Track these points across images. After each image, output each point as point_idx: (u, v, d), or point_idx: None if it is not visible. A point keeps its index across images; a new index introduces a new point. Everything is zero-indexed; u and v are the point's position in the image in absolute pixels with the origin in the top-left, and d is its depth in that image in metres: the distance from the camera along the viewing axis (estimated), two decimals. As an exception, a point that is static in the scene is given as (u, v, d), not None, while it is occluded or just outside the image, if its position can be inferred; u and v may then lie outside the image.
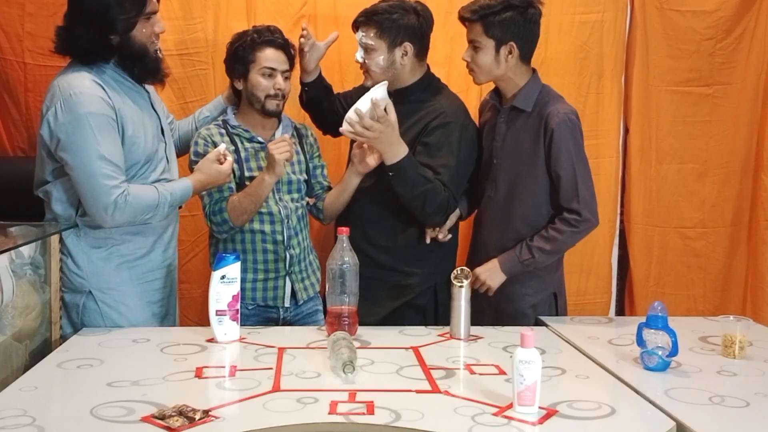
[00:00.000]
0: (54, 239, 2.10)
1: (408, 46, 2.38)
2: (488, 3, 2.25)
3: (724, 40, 3.09)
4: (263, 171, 2.29)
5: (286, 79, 2.39)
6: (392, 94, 2.40)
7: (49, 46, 2.93)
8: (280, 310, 2.40)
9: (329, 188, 2.53)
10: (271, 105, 2.37)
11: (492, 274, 2.31)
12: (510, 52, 2.27)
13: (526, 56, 2.32)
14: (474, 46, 2.30)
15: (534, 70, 2.38)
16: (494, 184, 2.38)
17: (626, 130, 3.18)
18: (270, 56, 2.35)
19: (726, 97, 3.14)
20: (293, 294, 2.41)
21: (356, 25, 2.42)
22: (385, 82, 2.29)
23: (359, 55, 2.41)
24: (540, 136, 2.27)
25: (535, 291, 2.37)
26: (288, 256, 2.38)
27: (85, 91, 2.01)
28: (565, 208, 2.26)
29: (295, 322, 2.43)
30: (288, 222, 2.38)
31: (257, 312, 2.37)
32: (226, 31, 2.77)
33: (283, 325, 2.39)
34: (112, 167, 2.00)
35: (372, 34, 2.36)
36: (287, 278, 2.39)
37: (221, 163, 2.21)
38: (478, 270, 2.31)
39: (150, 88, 2.27)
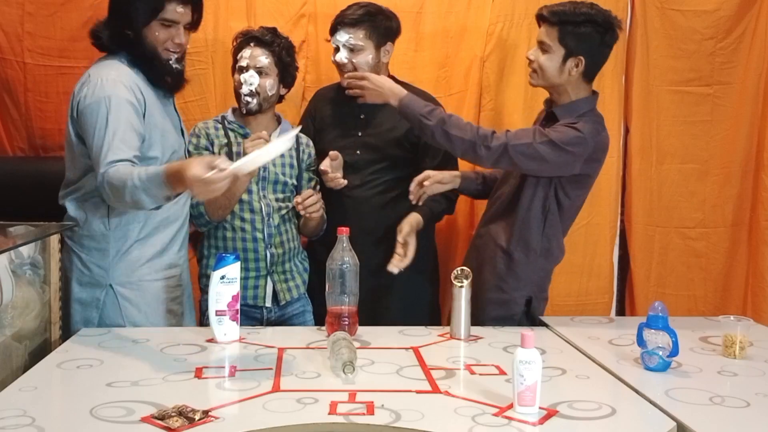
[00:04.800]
0: (54, 239, 2.10)
1: (390, 46, 2.57)
2: (572, 11, 2.21)
3: (724, 40, 3.09)
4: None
5: (264, 75, 2.37)
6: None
7: (48, 46, 2.97)
8: (263, 310, 2.41)
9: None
10: (242, 102, 2.39)
11: (375, 93, 2.32)
12: (576, 66, 2.23)
13: (589, 74, 2.27)
14: (543, 48, 2.25)
15: (594, 92, 2.32)
16: (507, 179, 2.38)
17: (626, 130, 3.18)
18: (244, 54, 2.38)
19: (726, 96, 3.14)
20: (275, 294, 2.41)
21: (338, 28, 2.51)
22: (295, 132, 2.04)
23: (344, 56, 2.50)
24: None
25: (511, 289, 2.33)
26: (268, 255, 2.38)
27: (113, 78, 2.05)
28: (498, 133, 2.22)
29: (281, 323, 2.43)
30: (269, 220, 2.38)
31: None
32: (226, 31, 2.78)
33: (266, 325, 2.39)
34: (117, 147, 1.95)
35: (361, 35, 2.48)
36: (268, 278, 2.40)
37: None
38: (372, 75, 2.34)
39: None
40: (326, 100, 2.67)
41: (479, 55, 3.00)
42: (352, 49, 2.48)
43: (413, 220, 2.44)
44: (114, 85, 2.03)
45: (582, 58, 2.22)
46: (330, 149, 2.49)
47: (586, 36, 2.21)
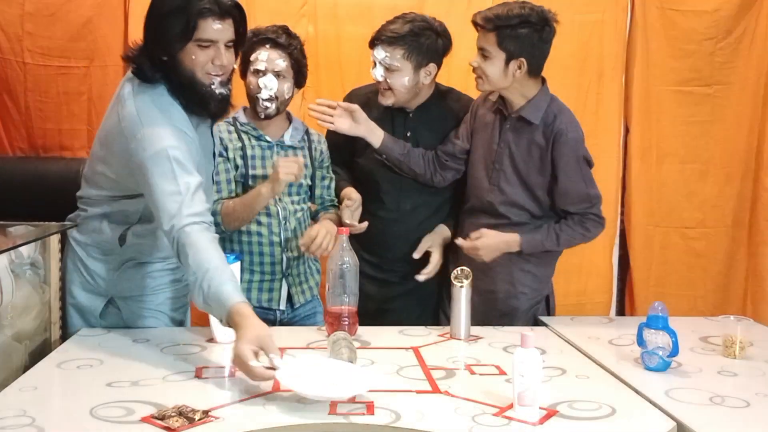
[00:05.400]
0: (54, 239, 2.10)
1: (432, 67, 2.39)
2: (505, 15, 2.19)
3: (724, 40, 3.10)
4: (263, 183, 2.23)
5: (282, 78, 2.31)
6: (413, 111, 2.46)
7: (48, 46, 2.98)
8: (277, 312, 2.38)
9: (332, 204, 2.47)
10: (260, 107, 2.31)
11: (492, 251, 2.29)
12: (519, 67, 2.23)
13: (534, 72, 2.27)
14: (483, 54, 2.24)
15: (543, 81, 2.33)
16: (496, 188, 2.34)
17: (626, 130, 3.18)
18: (261, 56, 2.30)
19: (726, 96, 3.14)
20: (289, 297, 2.39)
21: (376, 43, 2.36)
22: None
23: (380, 73, 2.37)
24: (548, 151, 2.26)
25: (532, 291, 2.38)
26: (285, 258, 2.36)
27: (169, 127, 1.87)
28: (583, 213, 2.30)
29: (293, 324, 2.42)
30: (286, 224, 2.34)
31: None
32: (226, 31, 2.77)
33: (279, 327, 2.38)
34: (190, 201, 1.81)
35: (399, 56, 2.33)
36: (284, 281, 2.37)
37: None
38: (480, 243, 2.27)
39: None
40: (363, 107, 2.42)
41: (479, 55, 2.99)
42: (388, 68, 2.34)
43: (441, 231, 2.47)
44: (171, 134, 1.86)
45: (523, 59, 2.21)
46: (368, 165, 2.45)
47: (524, 37, 2.20)
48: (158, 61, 1.92)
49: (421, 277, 2.40)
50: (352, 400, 1.52)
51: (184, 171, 1.83)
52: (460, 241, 2.32)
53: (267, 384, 1.65)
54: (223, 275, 1.73)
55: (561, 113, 2.30)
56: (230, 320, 1.69)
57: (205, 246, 1.76)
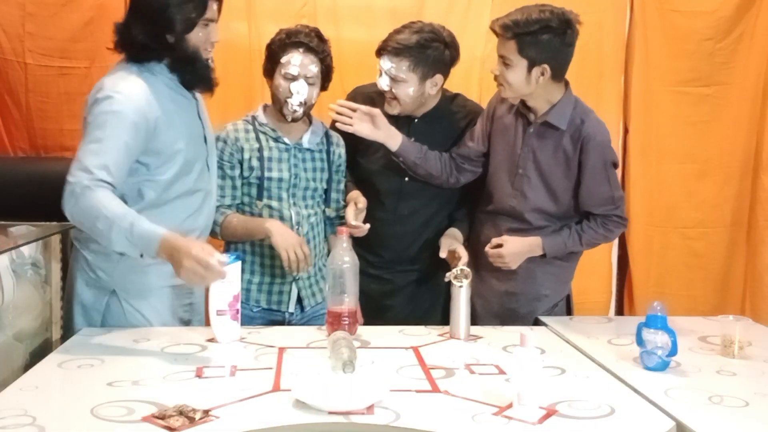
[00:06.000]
0: (54, 239, 2.11)
1: (439, 78, 2.37)
2: (525, 20, 2.12)
3: (723, 40, 3.10)
4: (269, 229, 2.22)
5: (312, 84, 2.28)
6: (419, 118, 2.44)
7: (49, 46, 2.98)
8: (286, 314, 2.37)
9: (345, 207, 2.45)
10: (288, 110, 2.28)
11: (518, 258, 2.29)
12: (542, 74, 2.16)
13: (558, 76, 2.21)
14: (504, 62, 2.18)
15: (567, 84, 2.28)
16: (520, 194, 2.32)
17: (626, 130, 3.19)
18: (294, 60, 2.26)
19: (725, 97, 3.15)
20: (299, 300, 2.37)
21: (382, 53, 2.33)
22: None
23: (385, 83, 2.34)
24: (575, 156, 2.24)
25: (553, 292, 2.38)
26: None
27: (127, 93, 1.95)
28: (606, 215, 2.29)
29: (302, 324, 2.40)
30: (298, 229, 2.31)
31: (262, 314, 2.34)
32: (226, 31, 2.76)
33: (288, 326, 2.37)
34: (97, 163, 1.87)
35: (404, 67, 2.30)
36: (293, 284, 2.35)
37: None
38: (505, 250, 2.27)
39: (199, 96, 2.19)
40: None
41: (479, 55, 3.00)
42: (394, 79, 2.31)
43: (455, 233, 2.45)
44: (124, 102, 1.93)
45: (546, 65, 2.15)
46: (369, 165, 2.44)
47: (545, 43, 2.13)
48: (160, 43, 2.02)
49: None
50: (371, 410, 1.51)
51: (115, 135, 1.90)
52: (486, 249, 2.31)
53: (267, 384, 1.66)
54: (139, 216, 1.84)
55: (587, 117, 2.26)
56: (164, 247, 1.79)
57: (112, 199, 1.85)
